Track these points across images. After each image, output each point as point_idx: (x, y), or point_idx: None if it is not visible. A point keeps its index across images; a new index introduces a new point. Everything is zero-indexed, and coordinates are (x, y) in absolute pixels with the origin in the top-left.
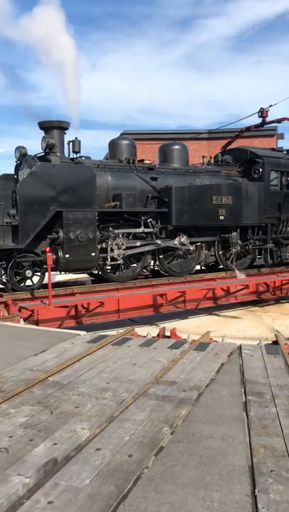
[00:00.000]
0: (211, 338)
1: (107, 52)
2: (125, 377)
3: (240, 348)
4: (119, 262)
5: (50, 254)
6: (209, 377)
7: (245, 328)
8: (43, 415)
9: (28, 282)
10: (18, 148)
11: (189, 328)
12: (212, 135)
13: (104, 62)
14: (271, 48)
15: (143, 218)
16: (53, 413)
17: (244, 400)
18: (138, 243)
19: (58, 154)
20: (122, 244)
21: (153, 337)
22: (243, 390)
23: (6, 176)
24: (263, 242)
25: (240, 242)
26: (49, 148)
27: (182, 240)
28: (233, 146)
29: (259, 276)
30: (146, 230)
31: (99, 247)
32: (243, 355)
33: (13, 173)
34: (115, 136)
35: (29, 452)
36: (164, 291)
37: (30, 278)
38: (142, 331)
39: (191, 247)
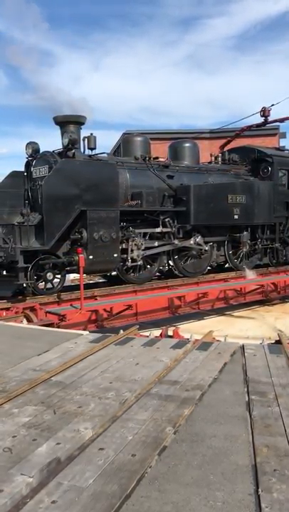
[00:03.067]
0: (214, 338)
1: (109, 53)
2: (128, 377)
3: (242, 347)
4: (139, 263)
5: (82, 255)
6: (212, 376)
7: (247, 327)
8: (46, 415)
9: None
10: (29, 144)
11: (192, 327)
12: (214, 134)
13: (107, 63)
14: (273, 47)
15: (161, 218)
16: (56, 413)
17: (247, 399)
18: (156, 243)
19: (80, 150)
20: (142, 244)
21: (156, 337)
22: (245, 389)
23: (16, 173)
24: (270, 241)
25: (249, 241)
26: (72, 144)
27: (197, 239)
28: (235, 144)
29: (272, 276)
30: (165, 230)
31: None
32: (245, 354)
33: (22, 170)
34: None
35: (32, 452)
36: (187, 292)
37: (51, 281)
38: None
39: (206, 247)
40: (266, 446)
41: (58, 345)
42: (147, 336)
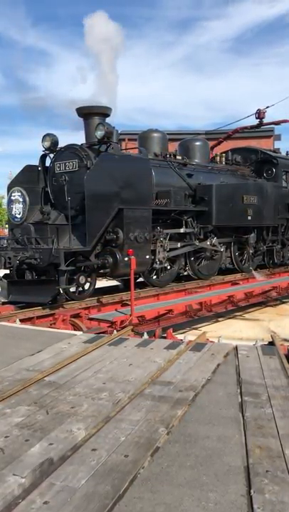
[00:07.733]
0: (208, 339)
1: None
2: (121, 378)
3: (236, 348)
4: (165, 265)
5: (133, 257)
6: (205, 377)
7: (241, 328)
8: (39, 415)
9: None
10: (47, 135)
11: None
12: (209, 136)
13: None
14: (269, 50)
15: (185, 218)
16: (49, 413)
17: (240, 400)
18: (179, 244)
19: (116, 145)
20: (167, 245)
21: (149, 337)
22: (239, 390)
23: (31, 168)
24: (272, 242)
25: (254, 243)
26: (107, 137)
27: (213, 241)
28: (233, 146)
29: (280, 277)
30: (189, 230)
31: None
32: (239, 355)
33: (36, 164)
34: None
35: (25, 452)
36: (220, 294)
37: (83, 285)
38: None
39: (221, 249)
40: (259, 448)
41: (52, 345)
42: (141, 337)
